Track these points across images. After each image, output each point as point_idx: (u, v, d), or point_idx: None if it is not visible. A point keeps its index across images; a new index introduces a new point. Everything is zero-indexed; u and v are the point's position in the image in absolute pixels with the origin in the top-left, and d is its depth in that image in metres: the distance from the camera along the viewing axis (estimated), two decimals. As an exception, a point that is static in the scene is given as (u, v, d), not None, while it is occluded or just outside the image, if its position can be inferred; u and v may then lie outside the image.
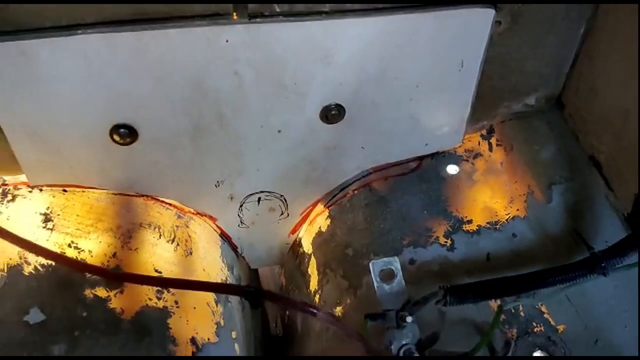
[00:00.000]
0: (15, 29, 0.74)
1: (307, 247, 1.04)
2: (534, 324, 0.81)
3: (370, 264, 0.80)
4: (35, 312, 0.79)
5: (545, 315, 0.82)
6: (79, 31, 0.74)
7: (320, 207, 1.03)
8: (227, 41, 0.77)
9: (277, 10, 0.78)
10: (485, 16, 0.83)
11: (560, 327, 0.80)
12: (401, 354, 0.74)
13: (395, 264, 0.80)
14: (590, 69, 0.92)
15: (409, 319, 0.75)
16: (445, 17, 0.82)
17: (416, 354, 0.74)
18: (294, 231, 1.06)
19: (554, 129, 0.99)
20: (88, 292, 0.82)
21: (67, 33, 0.74)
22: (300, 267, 1.04)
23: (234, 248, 1.06)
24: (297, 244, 1.07)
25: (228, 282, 1.00)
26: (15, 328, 0.77)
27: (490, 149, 1.01)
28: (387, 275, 0.80)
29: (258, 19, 0.77)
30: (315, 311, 0.65)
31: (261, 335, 1.17)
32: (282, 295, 0.74)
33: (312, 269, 1.00)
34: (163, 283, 0.79)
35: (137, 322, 0.81)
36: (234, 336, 0.93)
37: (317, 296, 0.97)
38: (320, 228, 1.02)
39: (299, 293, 1.04)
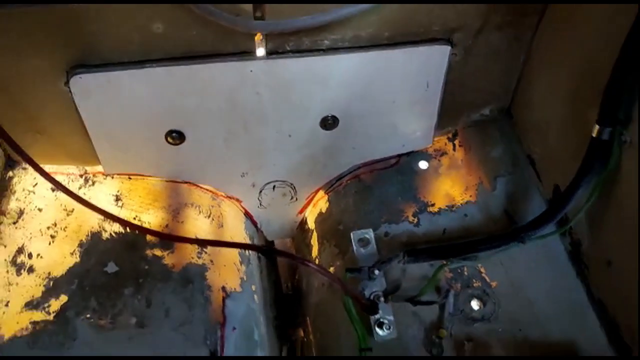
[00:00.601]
0: (104, 63, 1.05)
1: (310, 224, 1.33)
2: (474, 280, 1.09)
3: (352, 234, 1.10)
4: (112, 265, 1.10)
5: (483, 275, 1.10)
6: (147, 65, 1.05)
7: (321, 193, 1.32)
8: (251, 71, 1.07)
9: (288, 48, 1.07)
10: (442, 51, 1.11)
11: (494, 283, 1.08)
12: (371, 297, 1.04)
13: (370, 233, 1.10)
14: (527, 87, 1.19)
15: (377, 272, 1.04)
16: (412, 52, 1.10)
17: (382, 298, 1.03)
18: (301, 212, 1.36)
19: (503, 134, 1.26)
20: (148, 252, 1.13)
21: (140, 66, 1.05)
22: (305, 240, 1.34)
23: (254, 224, 1.36)
24: (304, 222, 1.37)
25: (250, 252, 1.30)
26: (98, 275, 1.08)
27: (454, 149, 1.29)
28: (364, 242, 1.10)
29: (274, 55, 1.07)
30: (308, 263, 0.95)
31: (275, 293, 1.47)
32: (286, 252, 1.03)
33: (314, 241, 1.30)
34: (201, 243, 1.09)
35: (183, 274, 1.11)
36: (253, 289, 1.23)
37: (317, 261, 1.26)
38: (321, 209, 1.31)
39: (304, 255, 1.33)
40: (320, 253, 1.25)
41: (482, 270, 1.10)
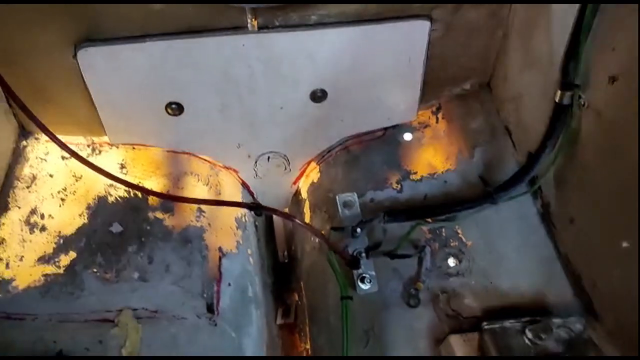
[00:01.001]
0: (107, 37, 1.14)
1: (304, 194, 1.42)
2: (451, 240, 1.17)
3: (337, 197, 1.18)
4: (117, 225, 1.20)
5: (460, 235, 1.17)
6: (148, 39, 1.14)
7: (313, 164, 1.41)
8: (243, 45, 1.16)
9: (277, 24, 1.16)
10: (423, 26, 1.19)
11: (469, 243, 1.16)
12: (354, 254, 1.12)
13: (354, 197, 1.19)
14: (504, 62, 1.27)
15: (359, 231, 1.13)
16: (394, 27, 1.18)
17: (364, 255, 1.12)
18: (295, 183, 1.45)
19: (483, 107, 1.34)
20: (150, 214, 1.22)
21: (140, 40, 1.14)
22: (299, 209, 1.43)
23: (251, 194, 1.45)
24: (297, 192, 1.45)
25: (246, 217, 1.39)
26: (104, 234, 1.18)
27: (437, 122, 1.37)
28: (348, 204, 1.19)
29: (264, 30, 1.16)
30: (293, 218, 1.03)
31: (272, 261, 1.56)
32: (271, 208, 1.11)
33: (306, 209, 1.39)
34: (198, 202, 1.19)
35: (183, 234, 1.20)
36: (249, 252, 1.32)
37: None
38: (313, 180, 1.40)
39: (299, 229, 1.42)
40: (312, 220, 1.34)
41: (459, 231, 1.18)
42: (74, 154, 1.09)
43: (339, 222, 1.19)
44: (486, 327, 0.94)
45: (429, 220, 1.15)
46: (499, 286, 1.09)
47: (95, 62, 1.15)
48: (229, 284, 1.19)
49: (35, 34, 1.11)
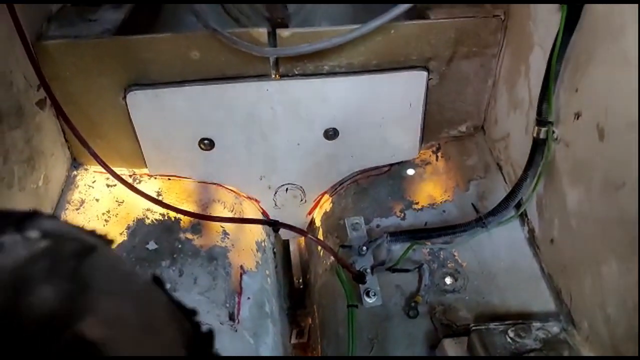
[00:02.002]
0: (152, 83, 1.35)
1: (317, 222, 1.58)
2: (448, 261, 1.31)
3: (345, 220, 1.34)
4: (152, 243, 1.36)
5: (456, 257, 1.32)
6: (186, 84, 1.35)
7: (326, 196, 1.58)
8: (267, 90, 1.36)
9: (296, 72, 1.36)
10: (420, 76, 1.38)
11: (464, 264, 1.30)
12: (361, 270, 1.27)
13: (361, 220, 1.34)
14: (494, 107, 1.45)
15: (365, 249, 1.28)
16: (395, 76, 1.37)
17: (369, 271, 1.26)
18: (309, 213, 1.61)
19: (478, 147, 1.51)
20: (181, 235, 1.39)
21: (180, 85, 1.35)
22: (313, 236, 1.58)
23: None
24: (312, 222, 1.62)
25: (265, 242, 1.55)
26: (141, 250, 1.34)
27: (437, 160, 1.53)
28: (356, 226, 1.34)
29: (285, 77, 1.36)
30: (306, 234, 1.19)
31: (288, 288, 1.70)
32: (288, 224, 1.27)
33: (320, 235, 1.54)
34: (225, 220, 1.36)
35: (209, 253, 1.37)
36: (267, 273, 1.48)
37: (322, 252, 1.50)
38: (325, 210, 1.56)
39: (313, 253, 1.57)
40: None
41: (455, 254, 1.32)
42: (121, 180, 1.28)
43: (347, 242, 1.35)
44: (474, 328, 1.07)
45: (428, 243, 1.30)
46: (490, 301, 1.22)
47: (141, 103, 1.36)
48: (249, 298, 1.34)
49: (93, 79, 1.33)
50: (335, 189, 1.56)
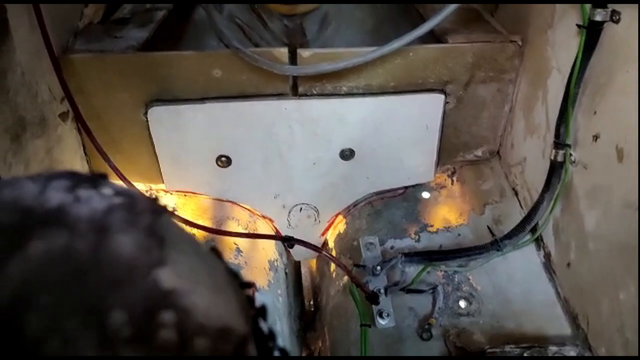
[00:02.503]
0: (173, 99, 1.37)
1: (330, 243, 1.58)
2: (463, 285, 1.30)
3: (360, 239, 1.34)
4: (166, 258, 1.36)
5: (470, 281, 1.30)
6: (207, 101, 1.37)
7: (340, 217, 1.58)
8: (286, 108, 1.38)
9: (314, 92, 1.38)
10: (437, 99, 1.40)
11: (479, 288, 1.29)
12: (374, 290, 1.26)
13: (375, 240, 1.34)
14: (510, 132, 1.45)
15: (379, 269, 1.27)
16: (413, 99, 1.39)
17: (383, 292, 1.25)
18: (323, 234, 1.61)
19: (494, 172, 1.51)
20: (196, 251, 1.39)
21: (201, 102, 1.37)
22: (326, 259, 1.58)
23: (286, 248, 1.61)
24: (325, 243, 1.61)
25: (278, 262, 1.55)
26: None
27: (452, 184, 1.53)
28: (369, 246, 1.34)
29: (303, 97, 1.38)
30: (321, 250, 1.19)
31: (299, 311, 1.69)
32: (303, 240, 1.27)
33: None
34: (238, 235, 1.36)
35: (223, 269, 1.36)
36: (279, 292, 1.47)
37: (334, 273, 1.49)
38: (339, 231, 1.56)
39: (325, 275, 1.57)
40: (337, 266, 1.49)
41: (470, 277, 1.31)
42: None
43: (361, 262, 1.34)
44: (489, 350, 1.06)
45: (442, 265, 1.29)
46: (505, 325, 1.20)
47: (162, 118, 1.38)
48: (261, 316, 1.33)
49: (116, 93, 1.35)
50: (350, 210, 1.56)
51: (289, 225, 1.58)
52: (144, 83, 1.35)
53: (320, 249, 1.20)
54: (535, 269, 1.29)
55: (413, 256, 1.29)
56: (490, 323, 1.22)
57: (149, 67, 1.33)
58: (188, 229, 1.41)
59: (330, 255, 1.26)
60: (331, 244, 1.58)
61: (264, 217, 1.57)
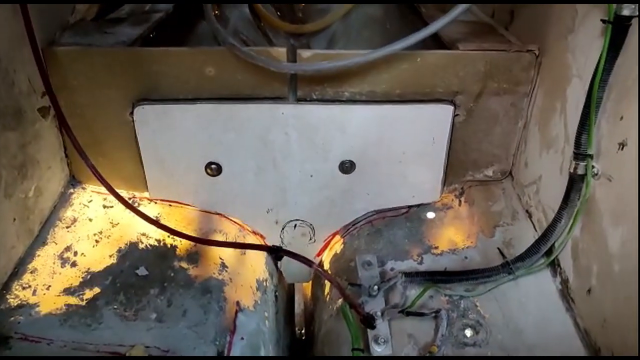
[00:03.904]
0: (162, 98, 1.28)
1: (326, 265, 1.45)
2: (469, 312, 1.16)
3: (357, 257, 1.21)
4: (142, 269, 1.24)
5: (478, 308, 1.17)
6: (198, 102, 1.28)
7: (337, 237, 1.46)
8: (282, 113, 1.28)
9: (314, 97, 1.28)
10: (446, 110, 1.29)
11: (487, 316, 1.15)
12: (370, 313, 1.12)
13: (373, 258, 1.21)
14: (524, 151, 1.34)
15: (376, 290, 1.14)
16: (419, 108, 1.29)
17: (380, 316, 1.12)
18: (319, 254, 1.49)
19: (505, 193, 1.39)
20: (176, 264, 1.27)
21: (191, 102, 1.28)
22: (321, 281, 1.45)
23: (275, 262, 1.49)
24: (320, 264, 1.48)
25: (267, 282, 1.42)
26: (129, 276, 1.22)
27: (460, 204, 1.41)
28: (367, 264, 1.21)
29: (302, 102, 1.28)
30: (311, 263, 1.07)
31: (289, 341, 1.54)
32: (292, 251, 1.15)
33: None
34: (222, 244, 1.26)
35: (204, 285, 1.23)
36: (266, 315, 1.33)
37: (328, 297, 1.36)
38: (336, 251, 1.44)
39: (319, 299, 1.43)
40: (331, 288, 1.35)
41: (477, 304, 1.18)
42: (118, 197, 1.19)
43: (357, 282, 1.21)
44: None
45: (447, 289, 1.16)
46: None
47: (149, 119, 1.28)
48: (242, 338, 1.19)
49: (101, 90, 1.26)
50: (348, 230, 1.44)
51: (282, 243, 1.46)
52: (131, 80, 1.26)
53: (311, 262, 1.07)
54: (550, 297, 1.16)
55: (415, 276, 1.16)
56: (499, 355, 1.08)
57: (137, 63, 1.24)
58: (169, 241, 1.30)
59: (323, 270, 1.13)
60: (327, 265, 1.45)
61: (254, 232, 1.45)
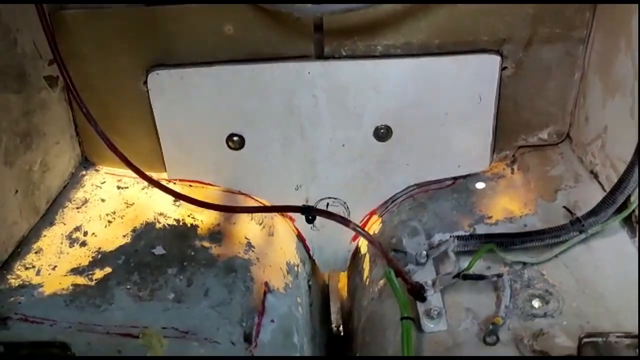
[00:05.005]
0: (178, 63, 1.17)
1: (363, 249, 1.30)
2: (535, 281, 0.99)
3: (399, 226, 1.06)
4: (159, 248, 1.11)
5: (545, 277, 0.99)
6: (216, 65, 1.17)
7: (375, 217, 1.30)
8: (309, 73, 1.16)
9: (343, 53, 1.16)
10: (492, 61, 1.15)
11: (557, 284, 0.98)
12: (416, 283, 0.96)
13: (419, 224, 1.05)
14: (584, 102, 1.18)
15: (424, 257, 0.98)
16: (462, 60, 1.15)
17: (430, 284, 0.96)
18: (354, 239, 1.33)
19: (564, 157, 1.23)
20: (197, 243, 1.13)
21: (210, 65, 1.17)
22: (358, 267, 1.29)
23: (306, 249, 1.34)
24: (357, 250, 1.33)
25: (299, 269, 1.27)
26: (145, 255, 1.09)
27: (512, 173, 1.25)
28: (412, 232, 1.05)
29: (330, 59, 1.16)
30: (349, 221, 0.92)
31: (326, 339, 1.38)
32: (325, 210, 1.01)
33: (366, 264, 1.25)
34: (248, 209, 1.14)
35: (228, 263, 1.10)
36: (298, 301, 1.18)
37: (368, 280, 1.20)
38: (374, 232, 1.28)
39: (357, 287, 1.27)
40: (371, 270, 1.20)
41: (544, 272, 1.01)
42: (140, 174, 1.08)
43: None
44: (586, 341, 0.74)
45: (509, 255, 0.99)
46: (599, 326, 0.88)
47: (164, 86, 1.18)
48: (272, 320, 1.04)
49: (113, 57, 1.17)
50: (387, 207, 1.29)
51: (313, 226, 1.31)
52: (144, 43, 1.16)
53: (348, 221, 0.92)
54: (630, 258, 0.98)
55: (469, 239, 1.00)
56: (577, 323, 0.89)
57: (150, 24, 1.14)
58: (189, 221, 1.17)
59: (362, 229, 0.97)
60: (364, 249, 1.29)
61: (283, 215, 1.31)
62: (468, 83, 1.17)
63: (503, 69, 1.17)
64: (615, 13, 1.07)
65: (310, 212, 0.94)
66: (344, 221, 0.93)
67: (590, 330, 0.88)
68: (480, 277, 0.94)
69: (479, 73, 1.17)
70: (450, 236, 1.00)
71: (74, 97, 1.11)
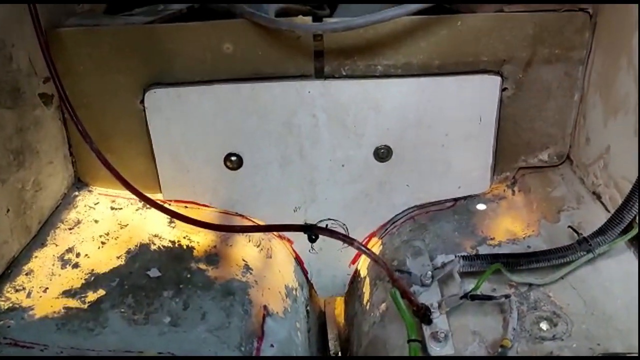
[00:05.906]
0: (176, 81, 1.16)
1: (363, 273, 1.27)
2: (542, 304, 0.97)
3: (403, 246, 1.03)
4: (155, 271, 1.07)
5: (551, 298, 0.97)
6: (215, 84, 1.15)
7: (374, 240, 1.28)
8: (309, 92, 1.15)
9: (344, 72, 1.15)
10: (493, 82, 1.15)
11: (564, 306, 0.95)
12: (422, 304, 0.94)
13: (423, 244, 1.03)
14: (584, 123, 1.18)
15: (429, 278, 0.96)
16: (462, 81, 1.15)
17: (435, 306, 0.93)
18: (354, 261, 1.30)
19: (565, 179, 1.22)
20: (193, 265, 1.10)
21: (208, 84, 1.15)
22: (357, 291, 1.26)
23: (304, 271, 1.31)
24: (356, 274, 1.30)
25: (297, 291, 1.23)
26: (139, 278, 1.05)
27: (513, 194, 1.24)
28: (415, 252, 1.03)
29: (330, 78, 1.15)
30: (353, 240, 0.90)
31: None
32: (328, 228, 0.98)
33: (366, 287, 1.22)
34: (250, 229, 1.11)
35: (226, 286, 1.06)
36: (297, 326, 1.14)
37: (368, 304, 1.17)
38: (374, 255, 1.26)
39: (357, 312, 1.24)
40: (372, 294, 1.17)
41: (550, 294, 0.98)
42: (136, 193, 1.05)
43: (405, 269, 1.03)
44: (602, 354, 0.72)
45: (514, 275, 0.97)
46: (610, 348, 0.86)
47: (161, 105, 1.16)
48: (272, 345, 1.00)
49: (110, 75, 1.15)
50: (386, 230, 1.27)
51: (312, 248, 1.28)
52: (142, 62, 1.14)
53: (352, 239, 0.90)
54: (636, 277, 0.96)
55: (475, 259, 0.98)
56: (587, 346, 0.87)
57: (148, 42, 1.13)
58: (184, 242, 1.14)
59: (365, 247, 0.95)
60: (363, 272, 1.27)
61: (280, 237, 1.28)
62: (468, 104, 1.17)
63: (503, 89, 1.17)
64: (615, 32, 1.08)
65: (312, 231, 0.92)
66: (348, 240, 0.90)
67: (602, 352, 0.86)
68: (488, 298, 0.91)
69: (480, 94, 1.16)
70: (456, 256, 0.98)
71: (69, 114, 1.08)
